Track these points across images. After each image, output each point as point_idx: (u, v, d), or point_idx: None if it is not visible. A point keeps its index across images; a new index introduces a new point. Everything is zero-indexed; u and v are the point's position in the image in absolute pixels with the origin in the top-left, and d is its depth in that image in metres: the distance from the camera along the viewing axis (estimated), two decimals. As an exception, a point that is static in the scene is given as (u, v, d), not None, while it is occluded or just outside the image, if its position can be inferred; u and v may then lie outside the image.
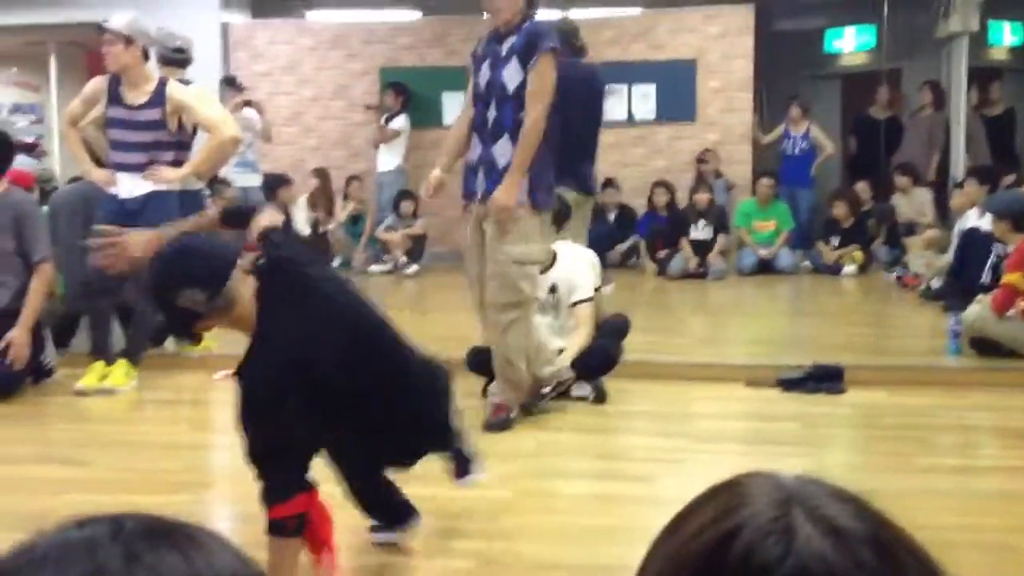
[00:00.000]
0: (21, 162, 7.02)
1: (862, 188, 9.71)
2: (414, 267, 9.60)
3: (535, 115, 4.05)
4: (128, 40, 4.97)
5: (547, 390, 4.52)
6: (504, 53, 4.13)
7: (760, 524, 0.62)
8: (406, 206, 9.68)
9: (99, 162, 5.32)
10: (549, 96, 4.08)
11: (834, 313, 7.46)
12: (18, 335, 4.92)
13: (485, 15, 4.26)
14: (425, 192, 4.44)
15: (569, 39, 5.44)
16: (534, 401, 4.51)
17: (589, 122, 5.77)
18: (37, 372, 5.15)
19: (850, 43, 11.76)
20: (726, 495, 0.67)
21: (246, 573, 0.63)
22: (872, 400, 4.77)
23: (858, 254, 9.11)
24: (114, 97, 5.06)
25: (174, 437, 4.37)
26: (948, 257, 7.24)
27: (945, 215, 9.09)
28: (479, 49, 4.29)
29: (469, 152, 4.29)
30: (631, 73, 10.12)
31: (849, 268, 9.05)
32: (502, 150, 4.13)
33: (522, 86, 4.09)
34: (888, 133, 10.53)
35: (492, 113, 4.15)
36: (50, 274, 5.11)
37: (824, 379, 4.92)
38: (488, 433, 4.24)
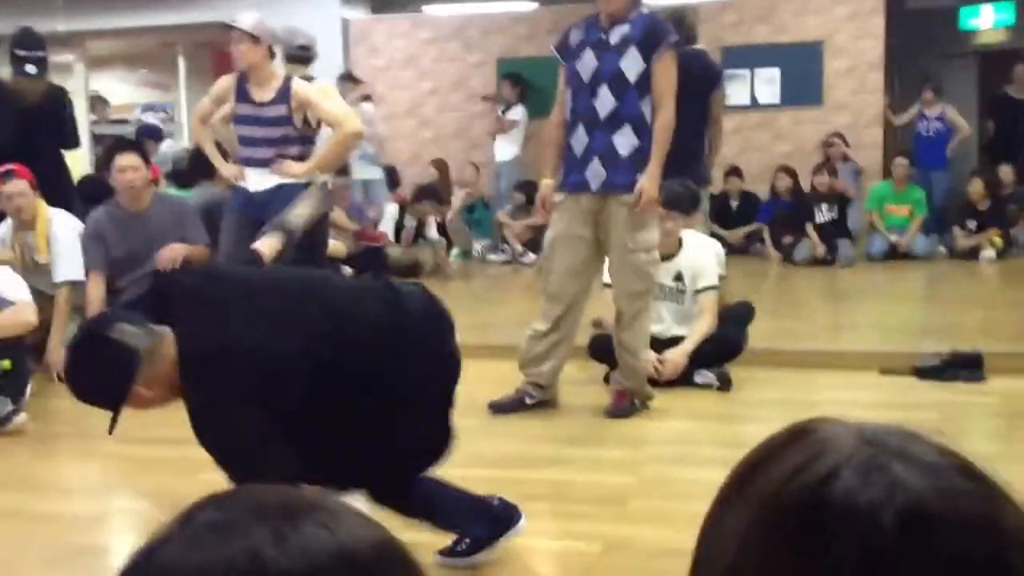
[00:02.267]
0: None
1: (1005, 172, 9.31)
2: (532, 256, 9.60)
3: (668, 110, 4.06)
4: (255, 39, 5.08)
5: None
6: (616, 41, 4.06)
7: (856, 464, 0.62)
8: (521, 196, 9.69)
9: (228, 157, 5.47)
10: (675, 90, 4.08)
11: (972, 299, 7.15)
12: None
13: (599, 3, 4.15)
14: (544, 205, 4.30)
15: (681, 26, 5.34)
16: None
17: (702, 112, 5.64)
18: None
19: (987, 20, 11.26)
20: (805, 440, 0.66)
21: (386, 539, 0.62)
22: (1014, 388, 4.55)
23: (996, 238, 8.72)
24: (241, 95, 5.18)
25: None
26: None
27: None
28: (572, 38, 4.19)
29: (569, 141, 4.19)
30: (754, 57, 9.90)
31: (987, 253, 8.67)
32: (624, 139, 4.07)
33: (644, 75, 4.04)
34: (1028, 113, 10.04)
35: (607, 102, 4.06)
36: (208, 255, 5.35)
37: (963, 366, 4.72)
38: (610, 420, 4.21)
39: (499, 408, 4.31)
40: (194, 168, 6.25)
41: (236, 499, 0.63)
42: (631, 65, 4.04)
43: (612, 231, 4.13)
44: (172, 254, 5.26)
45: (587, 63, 4.10)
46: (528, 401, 4.38)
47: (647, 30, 4.06)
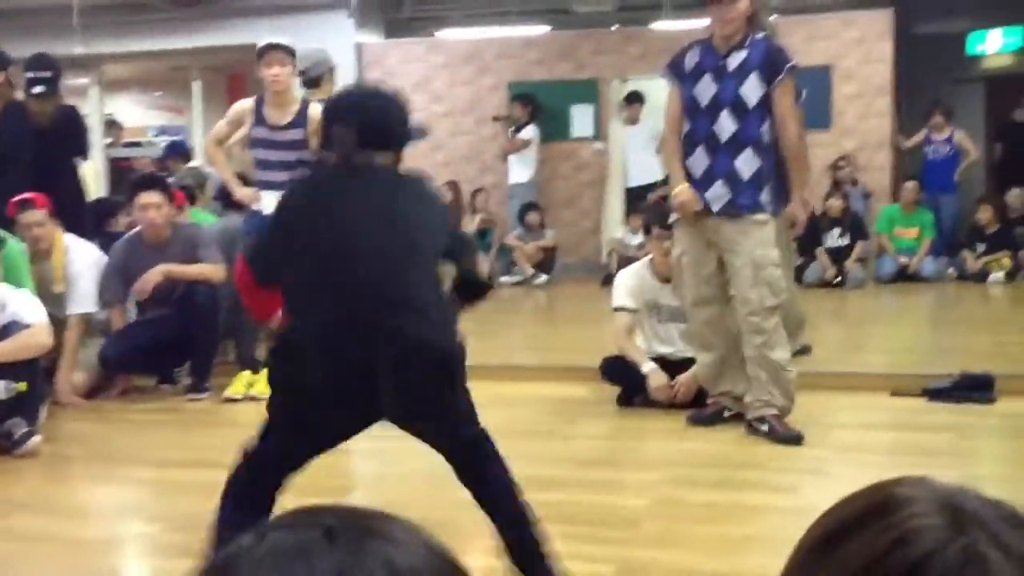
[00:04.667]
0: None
1: (1015, 196, 9.33)
2: (543, 278, 9.64)
3: (792, 133, 4.17)
4: (293, 60, 5.15)
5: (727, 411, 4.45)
6: (733, 68, 4.12)
7: (952, 553, 0.61)
8: (532, 218, 9.74)
9: (244, 180, 5.52)
10: (796, 112, 4.24)
11: (981, 321, 7.18)
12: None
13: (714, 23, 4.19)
14: (687, 209, 4.23)
15: None
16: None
17: None
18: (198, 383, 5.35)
19: (994, 45, 11.32)
20: (890, 513, 0.64)
21: (448, 565, 0.65)
22: (1025, 410, 4.56)
23: (1006, 260, 8.75)
24: (259, 118, 5.23)
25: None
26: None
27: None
28: (688, 61, 4.23)
29: (687, 163, 4.23)
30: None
31: (996, 275, 8.69)
32: (746, 162, 4.13)
33: (764, 100, 4.11)
34: (1035, 137, 10.08)
35: (727, 126, 4.12)
36: (221, 276, 5.28)
37: (973, 388, 4.73)
38: (633, 442, 4.22)
39: (698, 420, 4.39)
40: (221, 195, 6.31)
41: (309, 522, 0.65)
42: (751, 91, 4.11)
43: (741, 250, 4.14)
44: (144, 286, 5.23)
45: (705, 88, 4.17)
46: (726, 414, 4.43)
47: (767, 56, 4.13)
